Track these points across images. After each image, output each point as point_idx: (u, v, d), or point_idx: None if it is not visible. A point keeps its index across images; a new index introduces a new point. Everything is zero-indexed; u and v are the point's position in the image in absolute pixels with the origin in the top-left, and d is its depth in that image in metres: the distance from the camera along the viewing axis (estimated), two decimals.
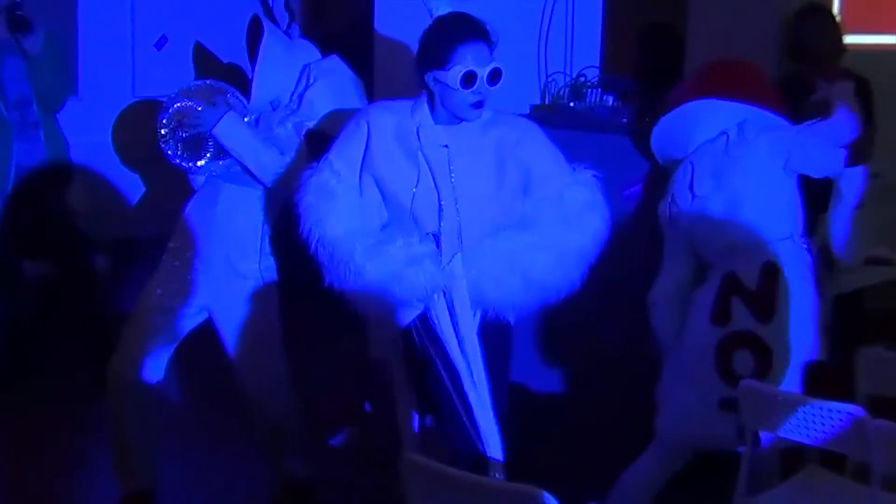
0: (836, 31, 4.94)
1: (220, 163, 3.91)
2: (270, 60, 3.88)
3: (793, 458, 3.68)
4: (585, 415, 4.32)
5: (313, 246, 3.34)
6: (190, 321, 4.04)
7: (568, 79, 4.50)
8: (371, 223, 3.35)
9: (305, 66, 3.94)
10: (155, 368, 4.01)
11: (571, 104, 4.36)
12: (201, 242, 3.96)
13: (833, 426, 3.17)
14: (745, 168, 3.70)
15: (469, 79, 3.22)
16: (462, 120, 3.31)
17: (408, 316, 3.38)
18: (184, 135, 3.89)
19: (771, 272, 3.67)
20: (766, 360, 3.66)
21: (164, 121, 3.89)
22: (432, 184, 3.31)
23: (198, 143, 3.89)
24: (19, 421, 4.97)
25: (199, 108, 3.87)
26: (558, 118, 4.37)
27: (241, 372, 4.06)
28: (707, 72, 3.89)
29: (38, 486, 4.39)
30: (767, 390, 3.36)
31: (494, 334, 3.39)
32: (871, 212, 3.80)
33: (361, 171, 3.34)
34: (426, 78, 3.29)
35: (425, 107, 3.33)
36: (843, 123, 3.70)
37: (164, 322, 3.98)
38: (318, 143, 3.75)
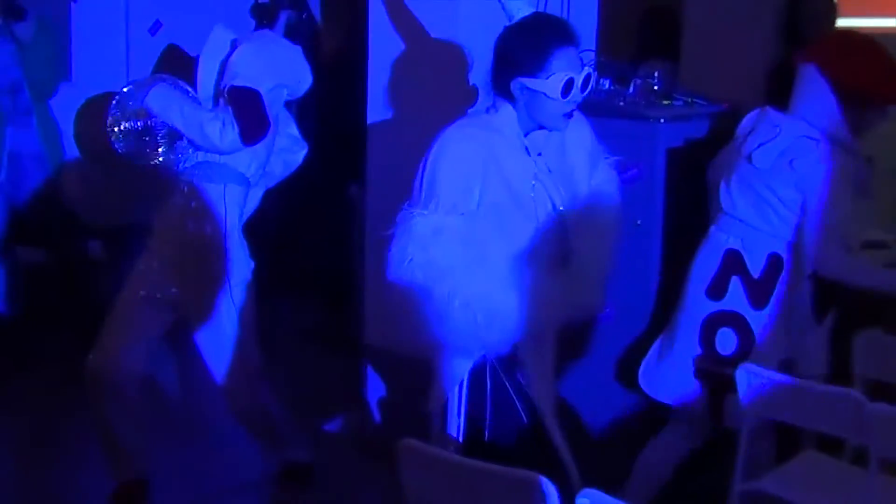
0: (831, 14, 4.93)
1: (181, 155, 3.82)
2: (211, 52, 3.82)
3: (790, 442, 3.68)
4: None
5: (445, 300, 2.98)
6: (170, 315, 4.00)
7: None
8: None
9: (233, 40, 3.85)
10: (136, 362, 3.96)
11: None
12: (177, 240, 3.91)
13: (831, 410, 3.17)
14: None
15: (569, 87, 3.01)
16: (543, 128, 3.11)
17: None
18: (129, 126, 3.79)
19: (776, 265, 3.66)
20: (748, 344, 3.68)
21: (110, 118, 3.79)
22: (545, 193, 3.13)
23: (147, 133, 3.79)
24: (14, 409, 4.96)
25: (128, 88, 3.79)
26: None
27: (211, 367, 4.02)
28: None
29: (34, 475, 4.38)
30: (765, 374, 3.35)
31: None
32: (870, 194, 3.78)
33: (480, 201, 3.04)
34: (512, 85, 3.04)
35: (514, 116, 3.09)
36: None
37: (142, 317, 3.94)
38: (246, 100, 3.65)
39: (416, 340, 3.13)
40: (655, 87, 4.41)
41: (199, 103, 3.80)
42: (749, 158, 3.67)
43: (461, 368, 3.16)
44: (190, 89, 3.83)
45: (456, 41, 4.19)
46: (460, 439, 3.17)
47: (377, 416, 4.67)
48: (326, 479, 4.31)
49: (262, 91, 3.71)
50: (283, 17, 5.85)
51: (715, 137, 4.12)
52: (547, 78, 3.00)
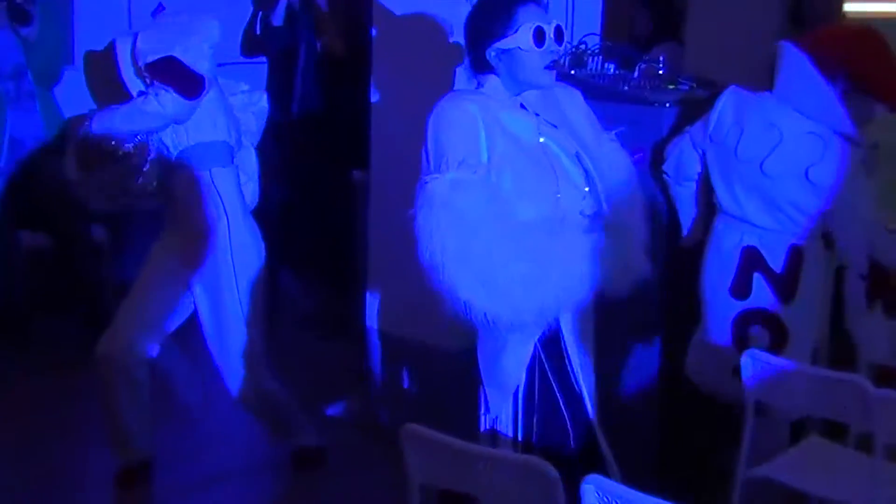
0: None
1: (156, 167, 3.87)
2: (125, 59, 3.88)
3: (795, 428, 3.68)
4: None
5: (458, 257, 2.90)
6: (185, 304, 4.04)
7: (569, 47, 4.45)
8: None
9: (133, 34, 3.92)
10: (148, 346, 4.00)
11: (572, 72, 4.30)
12: (180, 229, 3.97)
13: (836, 396, 3.16)
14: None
15: (540, 35, 3.04)
16: (530, 89, 3.14)
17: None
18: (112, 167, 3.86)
19: (798, 257, 3.61)
20: (781, 339, 3.63)
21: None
22: (555, 145, 3.12)
23: (126, 157, 3.85)
24: (17, 392, 4.96)
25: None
26: None
27: (216, 352, 4.06)
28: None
29: (36, 458, 4.38)
30: (770, 360, 3.34)
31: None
32: (876, 180, 3.76)
33: (490, 158, 3.02)
34: (488, 54, 3.09)
35: (500, 85, 3.12)
36: None
37: (155, 305, 4.00)
38: (165, 66, 3.75)
39: (458, 323, 3.05)
40: (660, 72, 4.39)
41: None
42: (760, 167, 3.57)
43: (518, 360, 3.13)
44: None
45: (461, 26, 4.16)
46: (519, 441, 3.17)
47: (380, 400, 4.66)
48: (329, 463, 4.31)
49: (175, 54, 3.78)
50: (284, 1, 5.85)
51: None
52: (516, 32, 3.05)
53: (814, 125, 3.55)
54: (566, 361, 3.17)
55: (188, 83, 3.77)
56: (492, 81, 3.13)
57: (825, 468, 3.38)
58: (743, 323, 3.68)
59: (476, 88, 3.18)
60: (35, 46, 5.35)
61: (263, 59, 6.30)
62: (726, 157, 3.67)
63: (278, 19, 5.99)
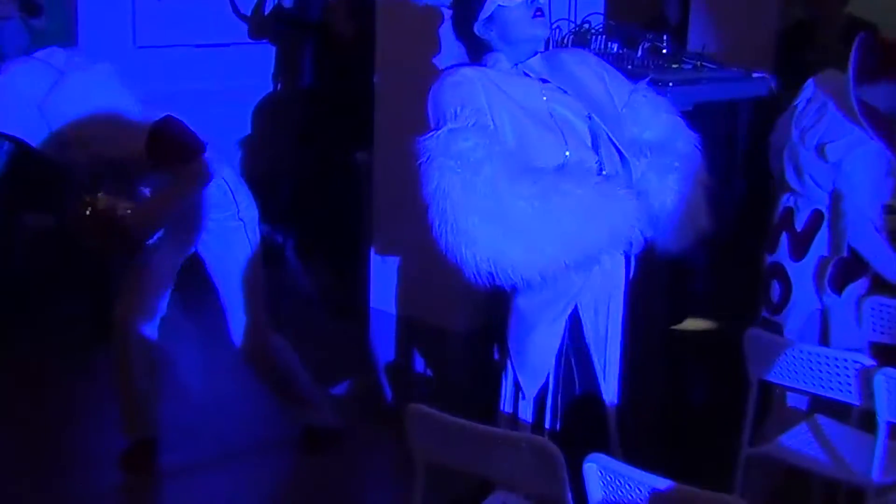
0: None
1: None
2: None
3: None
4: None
5: (473, 220, 2.80)
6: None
7: (572, 26, 4.45)
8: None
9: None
10: (155, 317, 4.05)
11: None
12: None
13: (838, 374, 3.17)
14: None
15: None
16: (530, 50, 3.05)
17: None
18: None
19: (817, 220, 3.72)
20: (787, 294, 3.76)
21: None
22: (563, 107, 3.03)
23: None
24: (23, 371, 4.98)
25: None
26: None
27: (232, 317, 4.08)
28: None
29: (43, 436, 4.40)
30: (772, 339, 3.35)
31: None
32: None
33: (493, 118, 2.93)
34: (477, 29, 3.03)
35: (499, 56, 3.04)
36: None
37: (163, 273, 4.03)
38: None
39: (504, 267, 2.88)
40: (664, 51, 4.39)
41: None
42: (820, 150, 3.64)
43: (547, 346, 3.06)
44: None
45: None
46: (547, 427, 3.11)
47: (384, 380, 4.68)
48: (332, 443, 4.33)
49: None
50: None
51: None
52: None
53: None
54: (587, 350, 3.10)
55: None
56: (492, 58, 3.06)
57: (828, 446, 3.40)
58: (769, 275, 3.83)
59: (485, 57, 3.08)
60: (41, 35, 5.43)
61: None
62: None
63: (288, 0, 5.97)
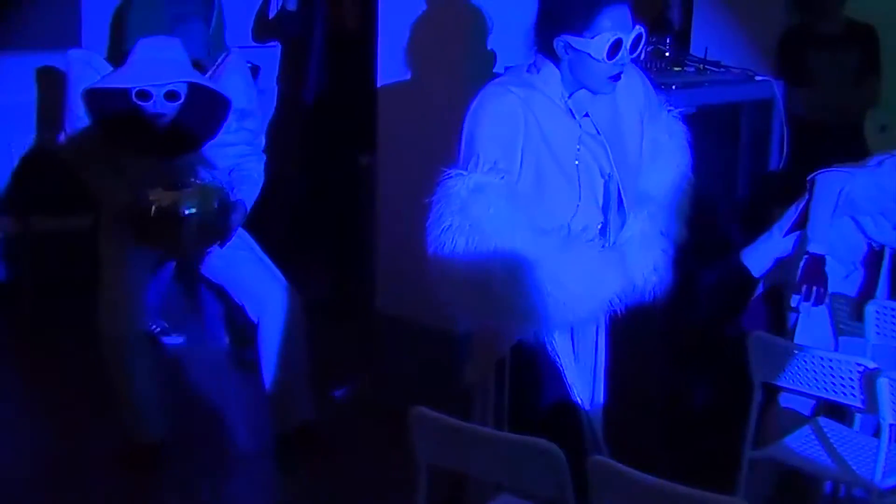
0: None
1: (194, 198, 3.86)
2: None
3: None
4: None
5: (479, 258, 2.82)
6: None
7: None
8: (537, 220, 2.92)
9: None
10: (144, 321, 4.14)
11: None
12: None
13: (842, 377, 3.17)
14: None
15: (616, 48, 2.82)
16: (587, 93, 2.94)
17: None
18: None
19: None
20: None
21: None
22: (590, 158, 2.97)
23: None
24: (28, 377, 4.98)
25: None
26: None
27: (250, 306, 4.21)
28: None
29: (47, 442, 4.41)
30: (776, 342, 3.35)
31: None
32: None
33: (522, 161, 2.89)
34: (555, 43, 2.87)
35: (558, 76, 2.92)
36: None
37: (144, 275, 4.11)
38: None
39: (459, 313, 3.06)
40: (667, 54, 4.40)
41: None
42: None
43: (504, 344, 3.07)
44: None
45: (473, 4, 4.14)
46: (504, 413, 3.11)
47: (388, 382, 4.68)
48: (335, 445, 4.33)
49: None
50: None
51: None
52: (592, 37, 2.82)
53: None
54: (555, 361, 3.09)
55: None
56: (549, 70, 2.93)
57: (831, 450, 3.40)
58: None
59: (529, 67, 2.98)
60: None
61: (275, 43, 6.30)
62: None
63: (293, 3, 5.95)
